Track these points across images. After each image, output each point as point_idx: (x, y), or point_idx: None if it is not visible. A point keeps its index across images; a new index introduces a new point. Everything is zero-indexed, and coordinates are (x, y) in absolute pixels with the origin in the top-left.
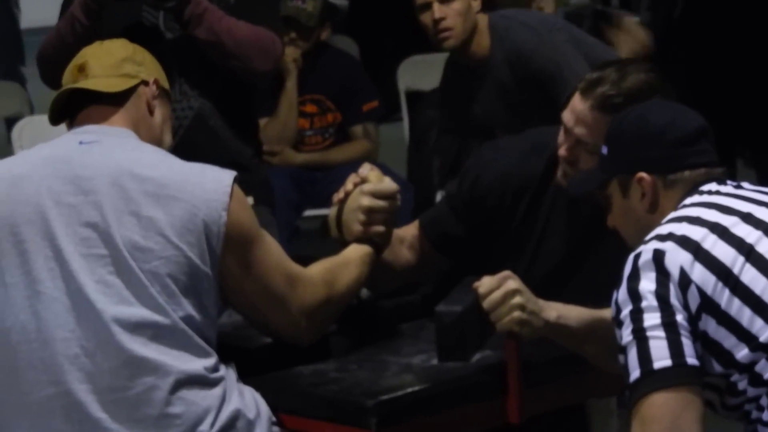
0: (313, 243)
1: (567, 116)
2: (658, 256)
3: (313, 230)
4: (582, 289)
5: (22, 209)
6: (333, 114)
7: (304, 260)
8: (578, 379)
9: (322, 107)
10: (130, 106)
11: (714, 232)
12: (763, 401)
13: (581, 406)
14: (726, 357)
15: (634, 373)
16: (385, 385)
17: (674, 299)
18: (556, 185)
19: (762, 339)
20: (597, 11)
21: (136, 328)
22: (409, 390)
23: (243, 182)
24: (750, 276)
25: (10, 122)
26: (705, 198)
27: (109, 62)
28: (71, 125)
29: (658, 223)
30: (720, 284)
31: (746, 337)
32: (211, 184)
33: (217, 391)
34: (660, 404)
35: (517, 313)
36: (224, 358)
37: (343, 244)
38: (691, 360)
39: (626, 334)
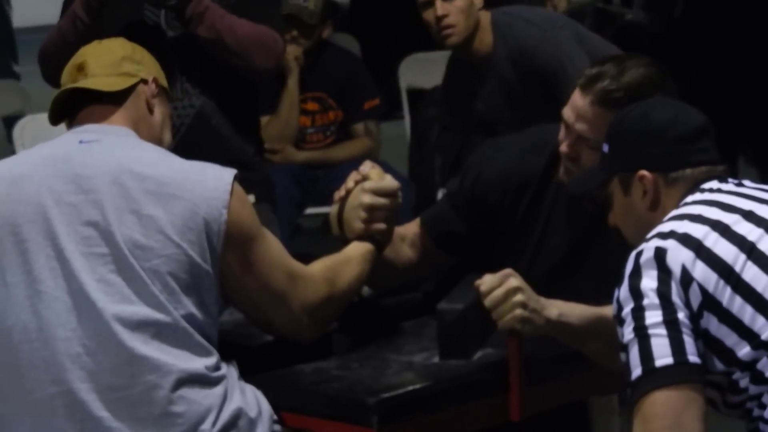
0: (314, 241)
1: (567, 112)
2: (660, 254)
3: (314, 228)
4: (583, 287)
5: (23, 209)
6: (334, 112)
7: (306, 258)
8: (580, 377)
9: (323, 105)
10: (129, 105)
11: (716, 230)
12: (765, 399)
13: (583, 404)
14: (727, 355)
15: (636, 371)
16: (387, 383)
17: (676, 297)
18: (558, 182)
19: (764, 337)
20: (598, 9)
21: (138, 326)
22: (411, 388)
23: (244, 180)
24: (751, 274)
25: (9, 121)
26: (706, 196)
27: (109, 61)
28: (71, 124)
29: (659, 221)
30: (722, 282)
31: (748, 334)
32: (212, 182)
33: (218, 389)
34: (662, 402)
35: (518, 311)
36: (225, 357)
37: (345, 241)
38: (693, 358)
39: (628, 332)
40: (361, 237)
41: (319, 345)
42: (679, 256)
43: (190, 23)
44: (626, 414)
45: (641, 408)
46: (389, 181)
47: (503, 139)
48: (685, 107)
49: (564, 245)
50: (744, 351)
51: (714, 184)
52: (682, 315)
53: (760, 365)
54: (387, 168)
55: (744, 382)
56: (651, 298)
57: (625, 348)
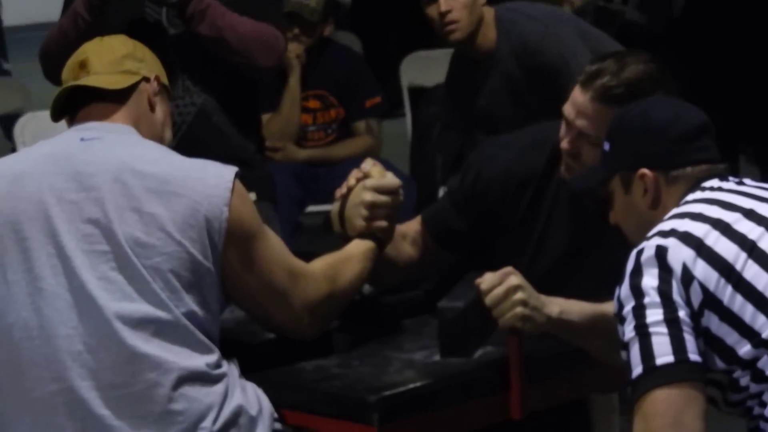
0: (315, 239)
1: (568, 109)
2: (661, 253)
3: (315, 226)
4: (584, 285)
5: (24, 206)
6: (336, 110)
7: (307, 256)
8: (580, 375)
9: (325, 103)
10: (131, 103)
11: (716, 229)
12: (766, 397)
13: (583, 402)
14: (728, 353)
15: (637, 369)
16: (388, 380)
17: (677, 295)
18: (559, 180)
19: (764, 335)
20: (599, 7)
21: (139, 324)
22: (412, 386)
23: (245, 178)
24: (752, 272)
25: (6, 119)
26: (707, 194)
27: (110, 59)
28: (72, 122)
29: (660, 220)
30: (722, 280)
31: (749, 333)
32: (213, 180)
33: (219, 387)
34: (662, 400)
35: (519, 309)
36: (226, 354)
37: (346, 239)
38: (694, 356)
39: (629, 331)
40: (363, 235)
41: (320, 343)
42: (680, 255)
43: (192, 21)
44: (626, 412)
45: (642, 406)
46: (390, 179)
47: (504, 137)
48: (685, 106)
49: (565, 243)
50: (745, 349)
51: (715, 182)
52: (682, 313)
53: (760, 363)
54: (388, 166)
55: (744, 381)
56: (652, 297)
57: (626, 346)
